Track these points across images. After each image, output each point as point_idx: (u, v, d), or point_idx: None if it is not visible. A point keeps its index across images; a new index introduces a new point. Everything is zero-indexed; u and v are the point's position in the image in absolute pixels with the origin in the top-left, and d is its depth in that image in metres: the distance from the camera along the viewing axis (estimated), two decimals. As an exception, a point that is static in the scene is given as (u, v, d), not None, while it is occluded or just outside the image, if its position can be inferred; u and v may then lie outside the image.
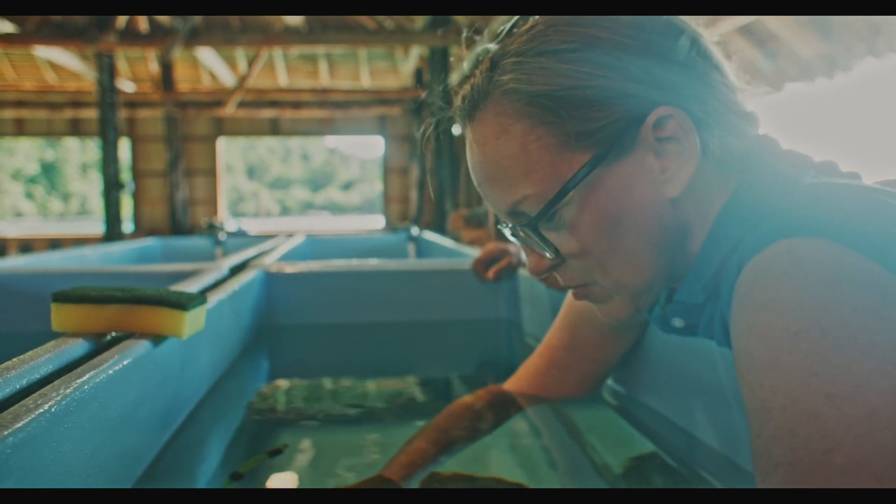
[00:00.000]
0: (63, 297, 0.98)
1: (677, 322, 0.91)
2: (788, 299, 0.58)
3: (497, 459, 1.10)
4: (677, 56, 0.71)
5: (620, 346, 1.18)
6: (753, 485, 0.89)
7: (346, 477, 1.03)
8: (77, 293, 0.99)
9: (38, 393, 0.71)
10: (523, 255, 1.98)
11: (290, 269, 2.03)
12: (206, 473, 1.05)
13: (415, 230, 4.52)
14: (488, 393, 1.19)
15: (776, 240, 0.63)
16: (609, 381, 1.30)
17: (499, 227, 0.88)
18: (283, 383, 1.57)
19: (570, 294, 1.19)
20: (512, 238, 0.84)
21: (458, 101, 0.80)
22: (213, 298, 1.41)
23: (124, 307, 1.00)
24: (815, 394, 0.53)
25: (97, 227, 11.14)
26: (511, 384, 1.21)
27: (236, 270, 1.96)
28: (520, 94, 0.72)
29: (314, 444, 1.17)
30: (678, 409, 1.11)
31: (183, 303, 1.02)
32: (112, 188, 7.67)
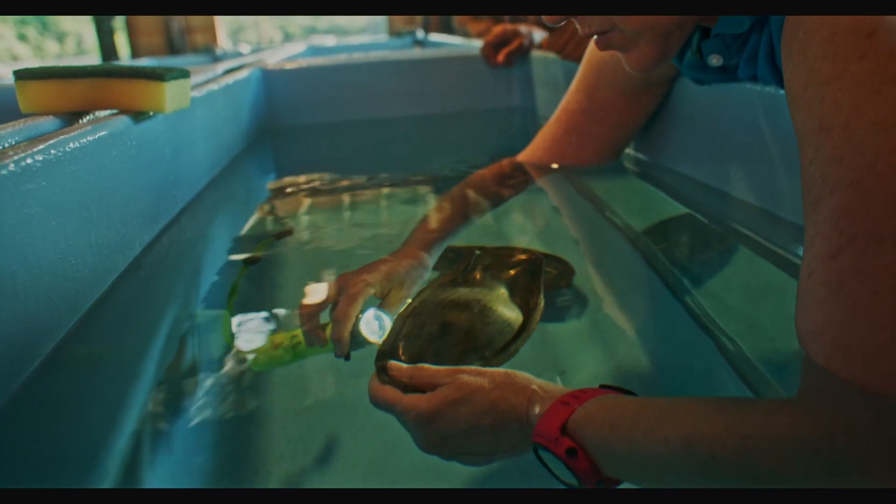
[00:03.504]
0: (27, 74, 0.89)
1: (714, 59, 0.80)
2: None
3: (516, 230, 1.05)
4: None
5: (643, 108, 1.08)
6: (792, 234, 0.83)
7: (360, 252, 0.99)
8: (42, 69, 0.90)
9: (-5, 152, 0.63)
10: (535, 36, 1.84)
11: (290, 65, 1.90)
12: (210, 259, 1.01)
13: (420, 33, 4.27)
14: (504, 165, 1.12)
15: None
16: (631, 151, 1.22)
17: None
18: (288, 178, 1.50)
19: (588, 53, 1.08)
20: None
21: None
22: (204, 89, 1.31)
23: (97, 81, 0.91)
24: (889, 102, 0.43)
25: (95, 62, 10.81)
26: (527, 153, 1.12)
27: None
28: None
29: (324, 226, 1.12)
30: (710, 171, 1.02)
31: (161, 74, 0.92)
32: (103, 17, 7.31)
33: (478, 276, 0.69)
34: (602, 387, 0.48)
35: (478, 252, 0.74)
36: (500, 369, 0.52)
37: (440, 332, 0.59)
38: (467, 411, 0.48)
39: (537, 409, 0.46)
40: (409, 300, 0.67)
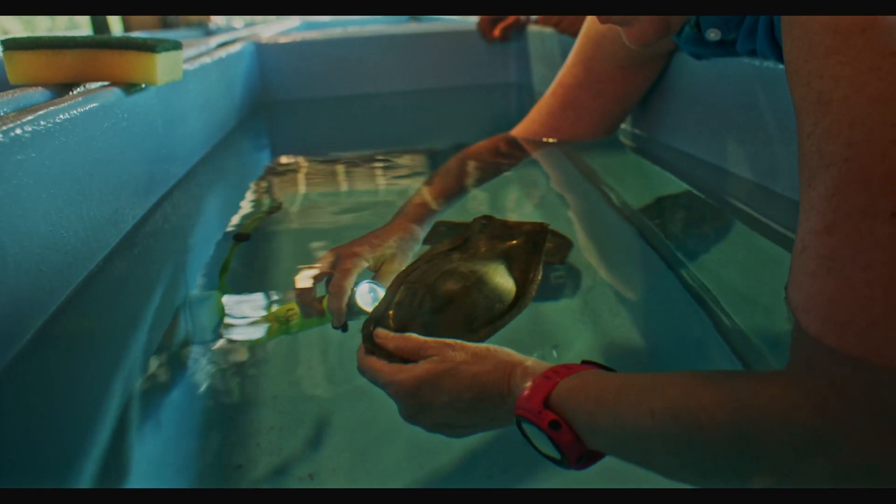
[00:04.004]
0: (14, 44, 0.88)
1: (713, 34, 0.79)
2: None
3: (510, 205, 1.04)
4: None
5: (640, 82, 1.07)
6: (788, 210, 0.83)
7: (352, 226, 0.98)
8: (31, 40, 0.88)
9: (-17, 123, 0.62)
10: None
11: (284, 39, 1.88)
12: (203, 234, 1.00)
13: (416, 10, 4.22)
14: (498, 139, 1.11)
15: None
16: (627, 126, 1.21)
17: None
18: (281, 153, 1.49)
19: (585, 26, 1.07)
20: None
21: None
22: (197, 62, 1.30)
23: (87, 52, 0.89)
24: (888, 77, 0.43)
25: (88, 37, 10.66)
26: (522, 128, 1.12)
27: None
28: None
29: (316, 201, 1.11)
30: (707, 147, 1.01)
31: (152, 45, 0.91)
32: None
33: (481, 246, 0.68)
34: (584, 362, 0.48)
35: (483, 221, 0.72)
36: (483, 345, 0.51)
37: (431, 301, 0.58)
38: (449, 385, 0.48)
39: (519, 383, 0.46)
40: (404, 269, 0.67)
